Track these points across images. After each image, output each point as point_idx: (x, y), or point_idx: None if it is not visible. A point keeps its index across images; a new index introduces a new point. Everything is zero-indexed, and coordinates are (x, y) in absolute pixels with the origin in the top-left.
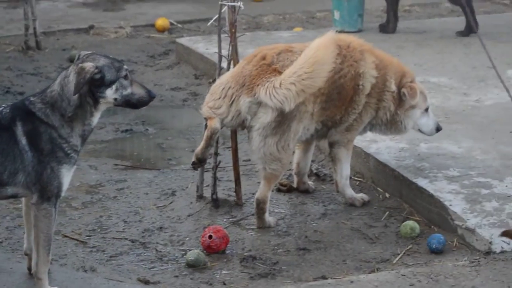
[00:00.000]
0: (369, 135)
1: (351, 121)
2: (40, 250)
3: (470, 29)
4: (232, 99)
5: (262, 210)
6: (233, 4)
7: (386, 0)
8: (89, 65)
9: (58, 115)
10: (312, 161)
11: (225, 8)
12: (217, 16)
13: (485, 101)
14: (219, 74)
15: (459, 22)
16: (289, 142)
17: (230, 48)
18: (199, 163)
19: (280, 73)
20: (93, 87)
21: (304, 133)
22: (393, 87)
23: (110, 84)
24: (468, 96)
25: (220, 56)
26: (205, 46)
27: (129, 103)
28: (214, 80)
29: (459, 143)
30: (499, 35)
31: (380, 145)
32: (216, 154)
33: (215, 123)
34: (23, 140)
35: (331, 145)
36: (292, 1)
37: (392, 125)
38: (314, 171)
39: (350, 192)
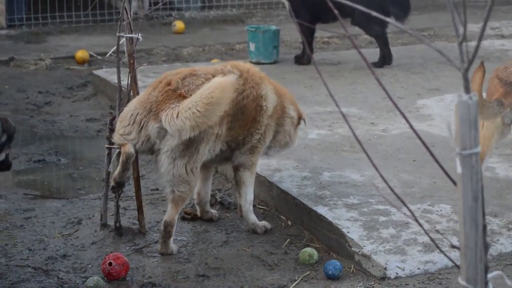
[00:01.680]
0: (274, 163)
1: (255, 142)
2: None
3: (384, 61)
4: (141, 125)
5: (168, 233)
6: (131, 36)
7: (301, 32)
8: None
9: None
10: (218, 189)
11: (123, 40)
12: (115, 48)
13: (391, 130)
14: (119, 105)
15: (375, 53)
16: (197, 165)
17: (129, 79)
18: (118, 187)
19: (185, 97)
20: None
21: (210, 153)
22: (292, 113)
23: None
24: (375, 126)
25: (120, 87)
26: (121, 78)
27: None
28: (112, 108)
29: (361, 172)
30: (413, 66)
31: (283, 174)
32: None
33: (128, 148)
34: None
35: (236, 168)
36: (212, 33)
37: (287, 145)
38: (219, 200)
39: (253, 217)
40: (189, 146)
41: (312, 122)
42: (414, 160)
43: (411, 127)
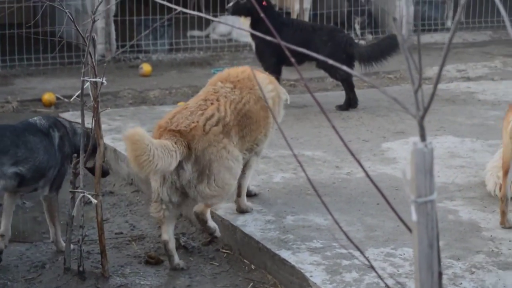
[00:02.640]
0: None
1: (269, 133)
2: (57, 223)
3: (349, 104)
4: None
5: (203, 220)
6: (95, 80)
7: None
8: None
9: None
10: (182, 233)
11: (87, 84)
12: (79, 92)
13: (356, 173)
14: (83, 149)
15: (341, 96)
16: (222, 179)
17: (93, 123)
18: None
19: (174, 131)
20: None
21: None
22: (282, 95)
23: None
24: (340, 169)
25: (84, 131)
26: (86, 121)
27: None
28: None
29: (325, 215)
30: (378, 109)
31: (247, 217)
32: (82, 227)
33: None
34: (56, 143)
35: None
36: (179, 76)
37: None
38: (182, 244)
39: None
40: (202, 171)
41: (277, 166)
42: (378, 204)
43: (364, 170)
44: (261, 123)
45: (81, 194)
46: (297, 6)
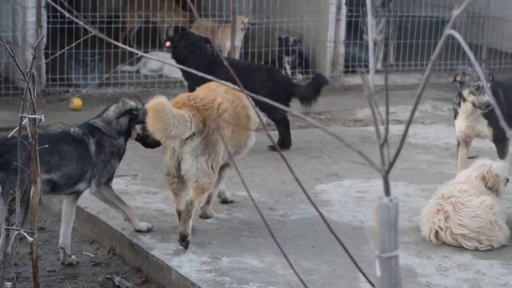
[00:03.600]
0: (172, 247)
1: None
2: (122, 208)
3: (282, 144)
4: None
5: (189, 212)
6: (33, 116)
7: None
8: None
9: (115, 130)
10: (116, 272)
11: (25, 120)
12: (17, 128)
13: (290, 215)
14: (20, 185)
15: (274, 136)
16: (216, 163)
17: (32, 161)
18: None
19: (193, 106)
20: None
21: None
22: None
23: (140, 122)
24: (274, 211)
25: (21, 168)
26: None
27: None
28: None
29: (261, 258)
30: (311, 150)
31: (182, 258)
32: (16, 264)
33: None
34: (92, 149)
35: (222, 166)
36: None
37: None
38: (117, 284)
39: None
40: (207, 146)
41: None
42: (313, 247)
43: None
44: (243, 136)
45: (16, 232)
46: (228, 44)
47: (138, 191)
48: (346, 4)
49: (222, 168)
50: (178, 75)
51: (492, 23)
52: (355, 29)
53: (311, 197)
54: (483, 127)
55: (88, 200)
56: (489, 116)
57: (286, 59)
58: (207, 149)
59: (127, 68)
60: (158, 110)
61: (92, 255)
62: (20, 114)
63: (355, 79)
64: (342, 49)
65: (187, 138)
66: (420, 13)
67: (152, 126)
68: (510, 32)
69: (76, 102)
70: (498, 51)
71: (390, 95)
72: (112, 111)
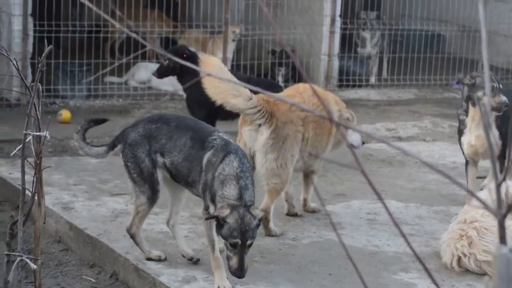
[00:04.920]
0: (181, 273)
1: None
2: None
3: None
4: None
5: (266, 219)
6: (38, 134)
7: None
8: None
9: None
10: None
11: (29, 138)
12: (21, 146)
13: (302, 239)
14: (22, 208)
15: None
16: (286, 161)
17: (35, 180)
18: None
19: (262, 97)
20: None
21: (300, 155)
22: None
23: None
24: (284, 234)
25: (24, 189)
26: (8, 170)
27: None
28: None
29: (276, 286)
30: None
31: (193, 286)
32: None
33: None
34: (204, 162)
35: (309, 173)
36: (100, 125)
37: None
38: None
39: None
40: (276, 141)
41: None
42: (330, 274)
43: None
44: (327, 133)
45: (19, 258)
46: (219, 55)
47: None
48: (340, 16)
49: (308, 175)
50: (168, 87)
51: (487, 38)
52: (349, 42)
53: (320, 219)
54: (495, 138)
55: (88, 220)
56: (501, 128)
57: (280, 71)
58: (276, 145)
59: (114, 79)
60: (214, 65)
61: (93, 280)
62: (24, 131)
63: (349, 93)
64: (336, 63)
65: (257, 132)
66: (411, 27)
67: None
68: (504, 47)
69: (65, 114)
70: (493, 67)
71: (387, 110)
72: None
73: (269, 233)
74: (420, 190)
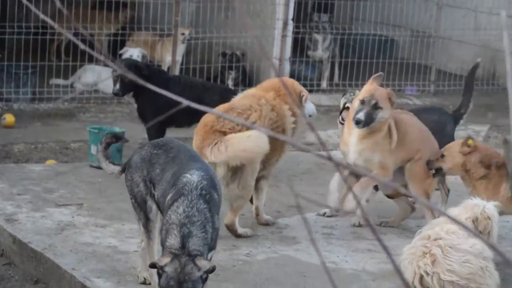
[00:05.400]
0: None
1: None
2: None
3: None
4: None
5: (233, 231)
6: None
7: (148, 136)
8: None
9: None
10: None
11: None
12: None
13: (256, 255)
14: None
15: None
16: (247, 182)
17: None
18: None
19: (221, 132)
20: None
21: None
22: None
23: None
24: (238, 249)
25: None
26: None
27: None
28: None
29: None
30: None
31: None
32: None
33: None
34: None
35: (258, 179)
36: (45, 129)
37: None
38: None
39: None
40: (235, 172)
41: None
42: None
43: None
44: (279, 147)
45: None
46: (168, 58)
47: (86, 223)
48: (293, 20)
49: (258, 181)
50: None
51: (439, 44)
52: (301, 46)
53: (275, 233)
54: None
55: (32, 233)
56: None
57: (230, 75)
58: (236, 175)
59: (60, 81)
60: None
61: None
62: None
63: None
64: (287, 67)
65: (215, 165)
66: (364, 31)
67: None
68: (457, 53)
69: (9, 118)
70: (447, 73)
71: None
72: None
73: (240, 236)
74: (375, 202)
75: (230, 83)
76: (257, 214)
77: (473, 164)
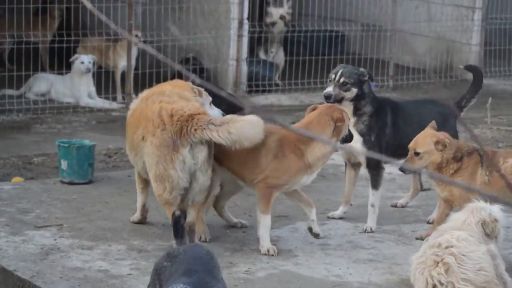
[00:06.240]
0: None
1: None
2: None
3: None
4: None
5: (193, 231)
6: None
7: None
8: None
9: None
10: None
11: None
12: None
13: (256, 272)
14: None
15: None
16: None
17: None
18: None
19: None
20: None
21: None
22: None
23: None
24: (235, 266)
25: None
26: None
27: None
28: None
29: None
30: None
31: None
32: None
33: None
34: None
35: None
36: (3, 144)
37: None
38: None
39: None
40: (210, 156)
41: None
42: None
43: None
44: None
45: None
46: (122, 63)
47: (70, 246)
48: (248, 19)
49: None
50: (69, 99)
51: (395, 37)
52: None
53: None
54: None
55: (16, 260)
56: (364, 133)
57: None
58: (210, 160)
59: (9, 92)
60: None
61: None
62: None
63: (260, 99)
64: (244, 68)
65: (194, 150)
66: (314, 28)
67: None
68: (411, 46)
69: None
70: (404, 67)
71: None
72: None
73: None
74: (364, 207)
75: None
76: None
77: (446, 160)
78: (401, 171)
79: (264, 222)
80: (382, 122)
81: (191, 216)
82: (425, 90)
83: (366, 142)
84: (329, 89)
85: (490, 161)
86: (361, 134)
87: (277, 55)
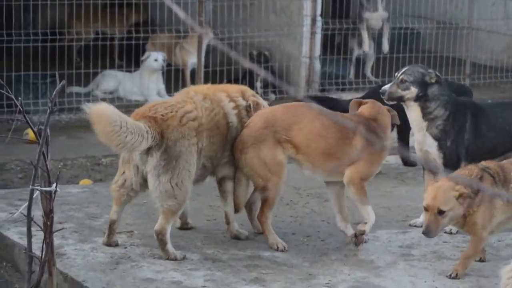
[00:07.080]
0: None
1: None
2: None
3: None
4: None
5: (162, 241)
6: (48, 189)
7: None
8: None
9: None
10: None
11: (37, 193)
12: (26, 204)
13: (337, 284)
14: (29, 280)
15: None
16: (182, 179)
17: (44, 247)
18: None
19: (150, 117)
20: None
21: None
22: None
23: None
24: (315, 278)
25: (31, 257)
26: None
27: None
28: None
29: None
30: (324, 191)
31: None
32: None
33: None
34: None
35: (221, 180)
36: (71, 143)
37: None
38: None
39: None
40: (169, 161)
41: (236, 273)
42: None
43: None
44: (225, 139)
45: None
46: (192, 60)
47: (141, 254)
48: (321, 16)
49: (222, 181)
50: (138, 97)
51: (472, 35)
52: (331, 44)
53: (348, 256)
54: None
55: (85, 270)
56: (439, 138)
57: (259, 77)
58: (169, 165)
59: (77, 89)
60: (103, 114)
61: None
62: (30, 186)
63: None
64: (318, 66)
65: (148, 155)
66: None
67: (101, 132)
68: (487, 44)
69: (32, 133)
70: (481, 65)
71: None
72: None
73: (168, 257)
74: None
75: (258, 84)
76: (228, 223)
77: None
78: (426, 236)
79: (371, 213)
80: (459, 127)
81: (158, 223)
82: (503, 90)
83: (442, 147)
84: (386, 86)
85: (504, 177)
86: (436, 138)
87: (370, 50)
